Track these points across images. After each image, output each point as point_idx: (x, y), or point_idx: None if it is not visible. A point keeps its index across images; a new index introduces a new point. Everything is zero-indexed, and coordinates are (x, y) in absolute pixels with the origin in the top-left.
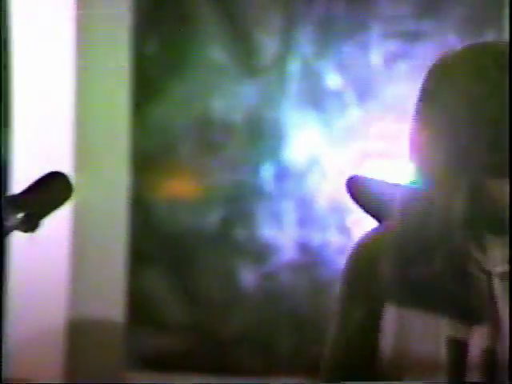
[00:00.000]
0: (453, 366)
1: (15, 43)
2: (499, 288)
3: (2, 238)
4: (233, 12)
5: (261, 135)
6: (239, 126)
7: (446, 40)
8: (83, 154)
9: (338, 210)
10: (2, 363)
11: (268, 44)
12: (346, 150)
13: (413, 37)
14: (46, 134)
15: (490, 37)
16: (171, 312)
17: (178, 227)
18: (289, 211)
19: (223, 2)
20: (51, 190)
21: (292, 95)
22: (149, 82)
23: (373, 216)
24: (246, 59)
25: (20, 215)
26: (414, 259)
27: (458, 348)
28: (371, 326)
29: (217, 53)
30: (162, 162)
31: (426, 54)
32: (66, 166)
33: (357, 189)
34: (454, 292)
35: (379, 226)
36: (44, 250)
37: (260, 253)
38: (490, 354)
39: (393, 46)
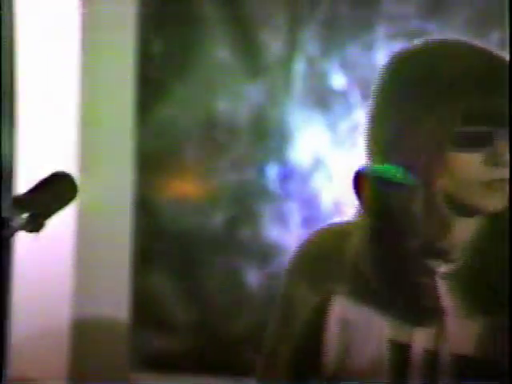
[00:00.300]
0: (395, 369)
1: (20, 43)
2: (444, 289)
3: (7, 238)
4: (238, 12)
5: (266, 135)
6: (244, 126)
7: None
8: (88, 154)
9: (342, 211)
10: (6, 363)
11: (273, 44)
12: (351, 150)
13: (418, 37)
14: (50, 134)
15: (495, 37)
16: (176, 312)
17: (183, 227)
18: (294, 211)
19: (228, 2)
20: (56, 191)
21: (297, 95)
22: (154, 83)
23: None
24: (251, 59)
25: (25, 215)
26: (363, 256)
27: (401, 350)
28: (316, 322)
29: (222, 53)
30: (167, 163)
31: None
32: (70, 166)
33: (364, 182)
34: (398, 292)
35: (333, 222)
36: (49, 250)
37: (265, 253)
38: (433, 356)
39: (398, 45)
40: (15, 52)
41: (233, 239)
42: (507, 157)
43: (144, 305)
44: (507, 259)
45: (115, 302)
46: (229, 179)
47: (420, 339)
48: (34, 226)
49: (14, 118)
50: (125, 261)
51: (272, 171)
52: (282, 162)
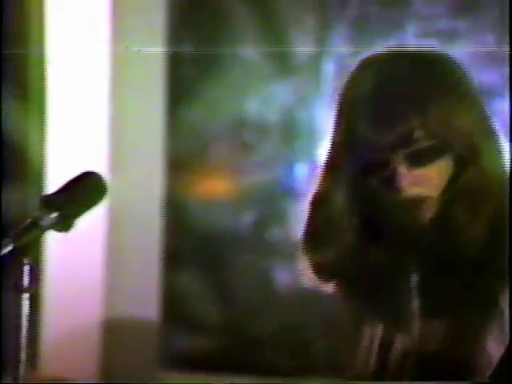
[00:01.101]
0: (377, 368)
1: (51, 44)
2: (415, 293)
3: (37, 238)
4: (267, 12)
5: (295, 135)
6: (273, 126)
7: (482, 39)
8: (118, 155)
9: None
10: (36, 362)
11: (302, 44)
12: None
13: (449, 36)
14: (81, 135)
15: None
16: (205, 312)
17: (212, 228)
18: None
19: (257, 3)
20: (85, 190)
21: (326, 95)
22: (183, 83)
23: None
24: (281, 59)
25: (54, 215)
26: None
27: (382, 351)
28: None
29: (251, 53)
30: (196, 163)
31: (462, 54)
32: (100, 167)
33: None
34: (376, 296)
35: None
36: (79, 250)
37: (294, 253)
38: (404, 356)
39: (428, 45)
40: (46, 52)
41: (262, 239)
42: (406, 181)
43: (173, 304)
44: (465, 265)
45: (145, 302)
46: (258, 179)
47: (397, 341)
48: (64, 225)
49: (46, 119)
50: (154, 260)
51: (301, 171)
52: (311, 161)
